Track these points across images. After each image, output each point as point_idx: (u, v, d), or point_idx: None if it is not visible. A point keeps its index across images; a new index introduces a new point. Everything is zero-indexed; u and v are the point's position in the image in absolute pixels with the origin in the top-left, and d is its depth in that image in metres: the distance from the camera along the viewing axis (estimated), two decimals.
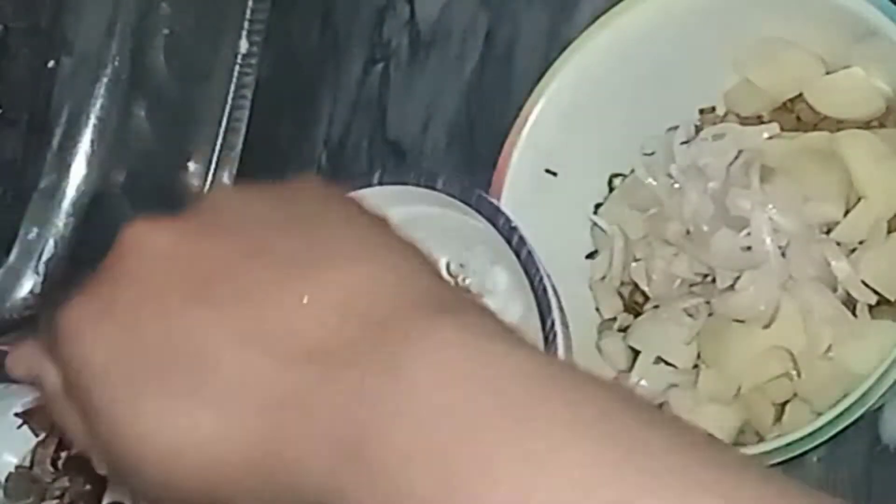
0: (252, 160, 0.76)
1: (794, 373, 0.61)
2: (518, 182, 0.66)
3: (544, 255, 0.66)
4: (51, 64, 0.71)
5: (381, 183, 0.57)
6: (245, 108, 0.75)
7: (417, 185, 0.56)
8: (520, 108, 0.67)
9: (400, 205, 0.56)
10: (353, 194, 0.46)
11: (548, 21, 0.75)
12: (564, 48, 0.67)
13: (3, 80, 0.73)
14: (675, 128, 0.67)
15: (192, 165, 0.75)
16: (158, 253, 0.42)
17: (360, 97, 0.81)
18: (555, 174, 0.68)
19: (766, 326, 0.61)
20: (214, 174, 0.75)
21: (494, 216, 0.53)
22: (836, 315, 0.60)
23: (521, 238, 0.52)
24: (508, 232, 0.53)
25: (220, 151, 0.75)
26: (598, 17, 0.66)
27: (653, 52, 0.66)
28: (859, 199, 0.61)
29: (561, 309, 0.51)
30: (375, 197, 0.56)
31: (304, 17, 0.83)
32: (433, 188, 0.55)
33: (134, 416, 0.41)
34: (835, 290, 0.61)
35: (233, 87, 0.75)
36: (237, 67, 0.75)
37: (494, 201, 0.53)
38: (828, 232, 0.61)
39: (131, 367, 0.41)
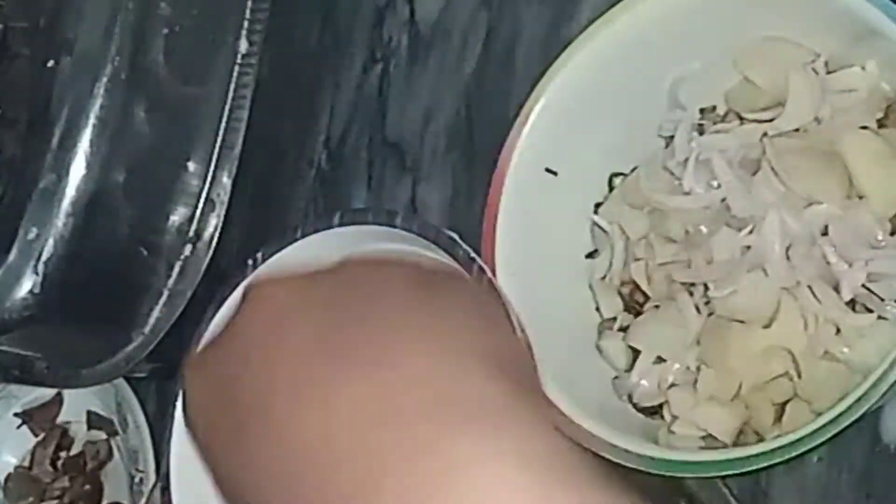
0: (252, 160, 0.76)
1: (794, 373, 0.61)
2: (518, 182, 0.66)
3: (544, 255, 0.66)
4: (50, 63, 0.70)
5: (341, 224, 0.58)
6: (245, 108, 0.75)
7: (377, 223, 0.57)
8: (520, 108, 0.67)
9: (361, 243, 0.57)
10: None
11: (548, 21, 0.75)
12: (564, 48, 0.67)
13: (2, 80, 0.73)
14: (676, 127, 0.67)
15: (191, 165, 0.75)
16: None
17: (360, 97, 0.81)
18: (555, 174, 0.68)
19: (767, 326, 0.61)
20: (214, 174, 0.75)
21: (453, 249, 0.54)
22: (837, 315, 0.60)
23: (481, 268, 0.53)
24: (468, 263, 0.54)
25: (220, 151, 0.75)
26: (597, 17, 0.66)
27: (653, 51, 0.66)
28: (860, 199, 0.61)
29: (527, 341, 0.52)
30: (336, 238, 0.57)
31: (304, 17, 0.83)
32: (392, 226, 0.56)
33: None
34: (835, 289, 0.60)
35: (232, 87, 0.75)
36: (237, 67, 0.75)
37: (454, 235, 0.54)
38: (828, 231, 0.61)
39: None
